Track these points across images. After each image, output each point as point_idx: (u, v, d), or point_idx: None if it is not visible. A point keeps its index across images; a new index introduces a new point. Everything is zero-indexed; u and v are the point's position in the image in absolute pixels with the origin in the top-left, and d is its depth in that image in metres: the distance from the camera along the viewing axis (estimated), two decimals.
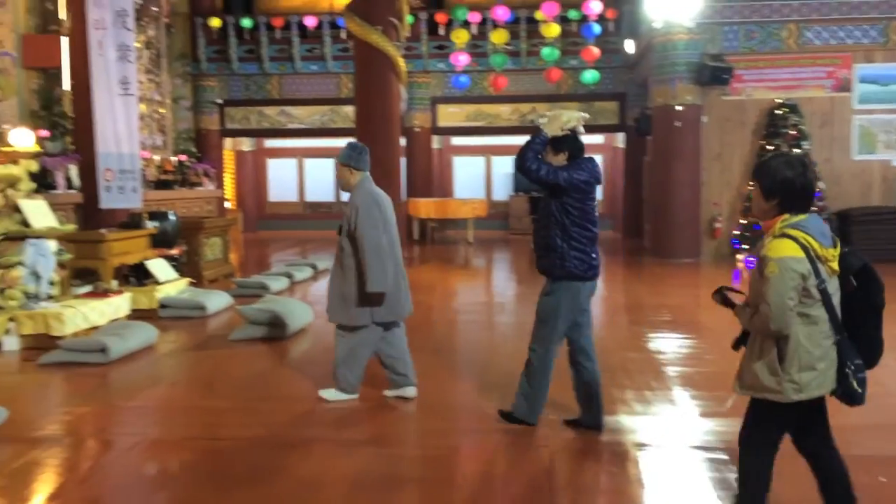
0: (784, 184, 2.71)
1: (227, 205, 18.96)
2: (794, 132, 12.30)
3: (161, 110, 17.51)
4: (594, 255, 4.17)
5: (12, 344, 6.38)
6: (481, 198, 17.55)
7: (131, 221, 8.96)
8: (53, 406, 5.15)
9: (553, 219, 4.12)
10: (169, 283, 8.37)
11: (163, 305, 7.95)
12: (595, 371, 4.33)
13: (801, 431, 2.89)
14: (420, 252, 15.10)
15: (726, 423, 4.40)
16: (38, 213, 6.88)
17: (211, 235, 10.69)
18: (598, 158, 19.38)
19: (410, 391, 5.02)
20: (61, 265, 7.24)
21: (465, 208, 16.17)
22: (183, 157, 16.79)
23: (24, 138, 7.22)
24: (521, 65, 16.75)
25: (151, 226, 9.02)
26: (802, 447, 2.92)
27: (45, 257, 6.81)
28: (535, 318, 4.32)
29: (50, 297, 6.91)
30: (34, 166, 7.35)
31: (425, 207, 16.40)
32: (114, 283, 7.72)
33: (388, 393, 5.07)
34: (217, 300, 8.30)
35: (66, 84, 13.66)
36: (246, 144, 20.37)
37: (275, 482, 3.72)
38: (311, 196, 20.45)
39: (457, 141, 19.51)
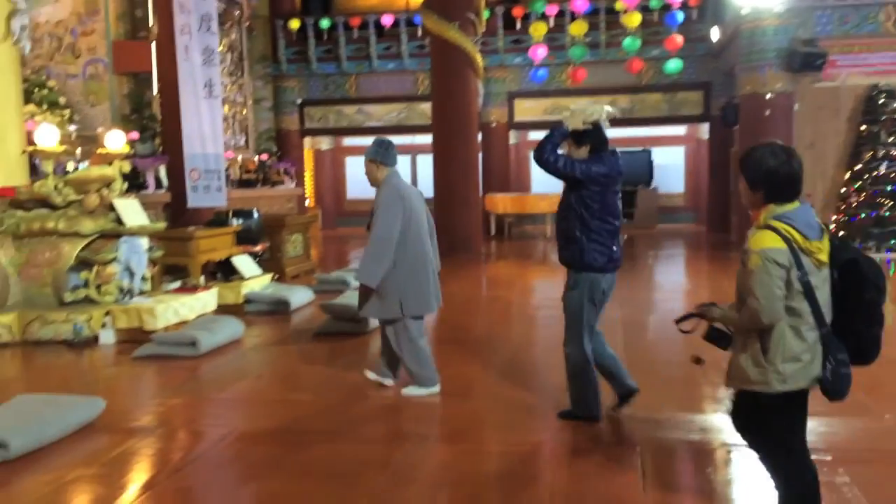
0: (767, 174, 2.66)
1: (306, 202, 19.32)
2: (893, 118, 11.64)
3: (243, 111, 17.97)
4: (615, 248, 4.17)
5: (108, 337, 6.64)
6: (559, 193, 17.32)
7: (217, 219, 9.21)
8: (147, 398, 5.32)
9: (573, 211, 4.14)
10: (253, 279, 8.56)
11: (248, 301, 8.14)
12: (602, 354, 4.36)
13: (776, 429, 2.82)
14: (497, 247, 15.02)
15: (829, 424, 4.17)
16: (131, 211, 7.13)
17: (293, 232, 10.89)
18: (681, 150, 19.27)
19: (389, 382, 5.12)
20: (153, 261, 7.50)
21: (542, 203, 15.99)
22: (264, 157, 17.18)
23: (116, 140, 7.50)
24: (601, 56, 16.42)
25: (236, 223, 9.24)
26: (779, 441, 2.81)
27: (137, 254, 7.06)
28: (563, 315, 4.30)
29: (142, 293, 7.16)
30: (127, 167, 7.62)
31: (502, 203, 16.30)
32: (202, 279, 7.94)
33: (369, 374, 5.17)
34: (300, 295, 8.44)
35: (156, 88, 14.22)
36: (325, 143, 20.72)
37: (360, 476, 3.73)
38: None
39: (534, 135, 19.33)
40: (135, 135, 12.81)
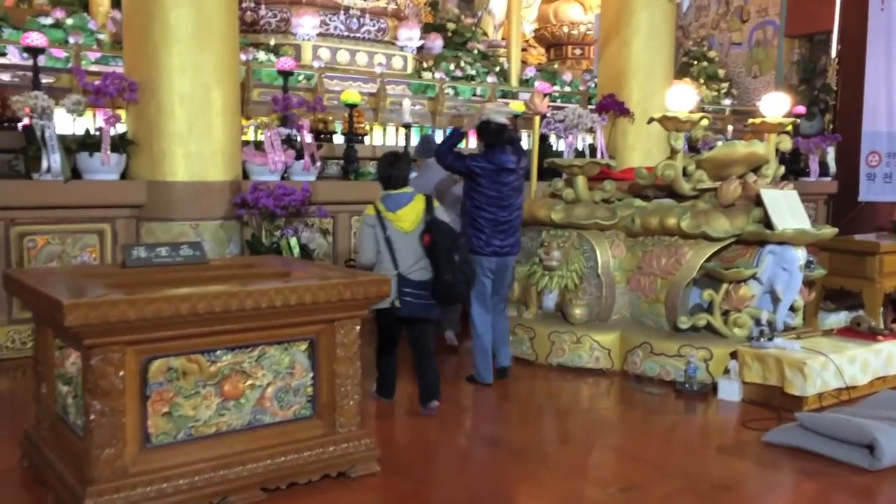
0: (380, 174, 4.31)
1: None
2: None
3: None
4: (490, 236, 4.67)
5: (731, 391, 4.52)
6: None
7: None
8: None
9: (463, 202, 4.79)
10: None
11: None
12: (493, 328, 4.84)
13: (410, 340, 4.31)
14: None
15: None
16: (785, 208, 4.82)
17: None
18: None
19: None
20: (808, 284, 5.06)
21: None
22: None
23: (777, 106, 5.24)
24: None
25: None
26: (411, 350, 4.34)
27: (789, 272, 4.73)
28: None
29: (789, 330, 4.83)
30: (787, 143, 5.31)
31: None
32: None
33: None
34: None
35: (834, 50, 11.44)
36: None
37: None
38: None
39: None
40: (801, 109, 10.35)
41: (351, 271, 3.70)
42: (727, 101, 10.82)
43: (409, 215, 4.13)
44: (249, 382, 3.10)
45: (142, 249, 3.56)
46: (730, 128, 10.13)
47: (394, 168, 4.20)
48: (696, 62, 12.13)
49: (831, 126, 11.18)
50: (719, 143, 9.54)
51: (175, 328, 2.83)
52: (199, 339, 2.93)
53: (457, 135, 4.78)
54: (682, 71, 11.89)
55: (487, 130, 4.68)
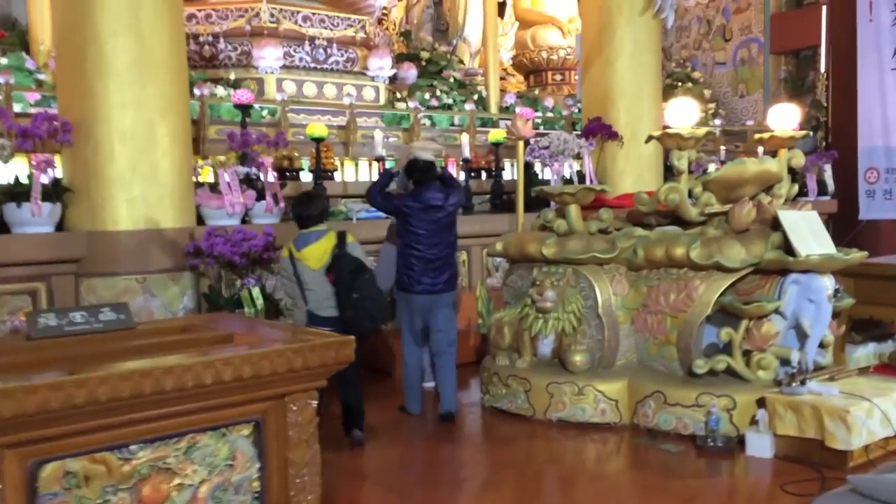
0: (293, 212, 4.40)
1: None
2: None
3: None
4: (421, 273, 4.64)
5: (761, 447, 3.90)
6: None
7: None
8: None
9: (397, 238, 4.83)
10: None
11: None
12: (438, 364, 4.86)
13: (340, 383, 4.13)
14: None
15: None
16: (807, 231, 4.26)
17: None
18: None
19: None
20: (835, 315, 4.48)
21: None
22: None
23: (786, 118, 4.72)
24: None
25: None
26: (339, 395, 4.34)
27: (815, 303, 4.15)
28: None
29: (819, 370, 4.23)
30: (800, 159, 4.78)
31: None
32: None
33: None
34: None
35: (823, 65, 11.07)
36: None
37: None
38: None
39: None
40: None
41: (305, 334, 3.01)
42: (716, 122, 10.37)
43: (314, 253, 4.24)
44: (176, 482, 2.45)
45: (51, 317, 2.93)
46: (722, 149, 9.66)
47: (304, 207, 4.31)
48: (680, 84, 11.70)
49: (824, 143, 10.76)
50: (712, 166, 9.11)
51: (70, 422, 2.19)
52: (105, 433, 2.29)
53: (386, 175, 4.91)
54: (666, 93, 11.43)
55: (415, 168, 4.70)
